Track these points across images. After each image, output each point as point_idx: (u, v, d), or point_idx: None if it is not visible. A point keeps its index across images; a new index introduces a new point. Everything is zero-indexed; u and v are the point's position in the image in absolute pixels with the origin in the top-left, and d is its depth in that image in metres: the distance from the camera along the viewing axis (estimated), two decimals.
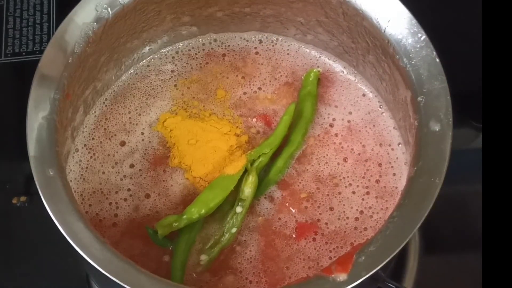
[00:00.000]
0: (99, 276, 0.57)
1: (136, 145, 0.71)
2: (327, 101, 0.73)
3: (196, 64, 0.76)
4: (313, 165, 0.70)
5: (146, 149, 0.71)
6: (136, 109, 0.73)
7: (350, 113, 0.72)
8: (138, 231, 0.67)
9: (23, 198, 0.78)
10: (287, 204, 0.68)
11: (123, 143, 0.71)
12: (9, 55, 0.87)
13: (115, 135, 0.71)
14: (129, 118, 0.73)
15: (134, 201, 0.68)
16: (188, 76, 0.75)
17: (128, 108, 0.73)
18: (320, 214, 0.67)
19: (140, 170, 0.70)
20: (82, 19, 0.66)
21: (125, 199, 0.68)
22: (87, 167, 0.70)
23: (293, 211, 0.68)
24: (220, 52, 0.76)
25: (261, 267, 0.65)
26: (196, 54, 0.76)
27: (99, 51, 0.68)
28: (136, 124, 0.72)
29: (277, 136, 0.69)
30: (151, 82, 0.75)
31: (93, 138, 0.71)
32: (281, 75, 0.75)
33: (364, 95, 0.74)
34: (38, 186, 0.58)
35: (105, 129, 0.72)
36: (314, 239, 0.66)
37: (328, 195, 0.68)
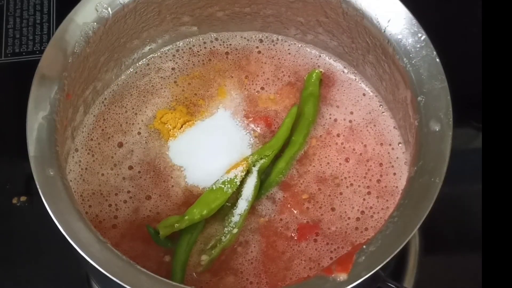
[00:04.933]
0: (99, 276, 0.57)
1: (134, 146, 0.71)
2: (328, 101, 0.73)
3: (199, 61, 0.76)
4: (315, 166, 0.70)
5: (144, 150, 0.71)
6: (133, 108, 0.73)
7: (352, 113, 0.72)
8: (138, 232, 0.66)
9: (23, 198, 0.78)
10: (288, 205, 0.68)
11: (120, 144, 0.71)
12: (9, 55, 0.87)
13: (112, 136, 0.71)
14: (126, 118, 0.72)
15: (134, 203, 0.68)
16: (190, 72, 0.75)
17: (125, 107, 0.73)
18: (321, 214, 0.67)
19: (139, 172, 0.70)
20: (82, 19, 0.66)
21: (125, 201, 0.68)
22: (86, 168, 0.69)
23: (295, 212, 0.68)
24: (223, 50, 0.76)
25: (262, 268, 0.65)
26: (198, 51, 0.76)
27: (99, 51, 0.68)
28: (132, 124, 0.72)
29: (279, 139, 0.69)
30: (150, 80, 0.75)
31: (91, 139, 0.71)
32: (283, 75, 0.75)
33: (364, 94, 0.74)
34: (38, 186, 0.58)
35: (102, 130, 0.72)
36: (315, 240, 0.66)
37: (329, 195, 0.68)
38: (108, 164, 0.70)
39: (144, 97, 0.73)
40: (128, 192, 0.68)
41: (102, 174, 0.69)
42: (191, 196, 0.68)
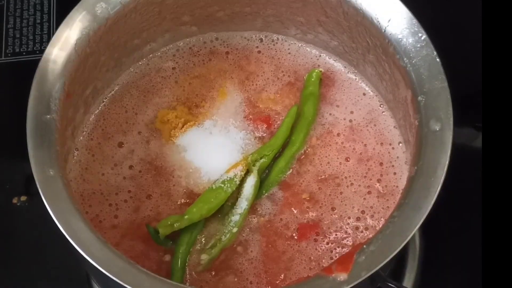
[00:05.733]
0: (100, 276, 0.57)
1: (134, 146, 0.71)
2: (328, 101, 0.73)
3: (199, 61, 0.76)
4: (315, 165, 0.70)
5: (145, 149, 0.71)
6: (133, 108, 0.73)
7: (352, 112, 0.72)
8: (139, 232, 0.66)
9: (23, 198, 0.78)
10: (288, 205, 0.68)
11: (121, 144, 0.71)
12: (9, 54, 0.87)
13: (113, 136, 0.71)
14: (126, 117, 0.72)
15: (135, 202, 0.68)
16: (190, 72, 0.75)
17: (125, 107, 0.73)
18: (321, 214, 0.67)
19: (140, 171, 0.70)
20: (82, 19, 0.65)
21: (125, 201, 0.68)
22: (86, 168, 0.69)
23: (295, 211, 0.68)
24: (223, 50, 0.76)
25: (262, 268, 0.65)
26: (198, 51, 0.76)
27: (99, 51, 0.68)
28: (133, 124, 0.72)
29: (279, 138, 0.69)
30: (150, 80, 0.75)
31: (91, 139, 0.71)
32: (283, 75, 0.75)
33: (364, 94, 0.74)
34: (38, 186, 0.58)
35: (102, 129, 0.71)
36: (315, 240, 0.66)
37: (330, 195, 0.68)
38: (109, 163, 0.70)
39: (145, 97, 0.73)
40: (129, 191, 0.68)
41: (103, 174, 0.69)
42: (192, 195, 0.68)
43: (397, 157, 0.70)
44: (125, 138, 0.71)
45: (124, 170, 0.70)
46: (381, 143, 0.71)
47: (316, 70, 0.73)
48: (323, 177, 0.69)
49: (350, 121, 0.72)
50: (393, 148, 0.71)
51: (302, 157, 0.70)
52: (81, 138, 0.71)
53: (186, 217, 0.65)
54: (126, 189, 0.68)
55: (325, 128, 0.72)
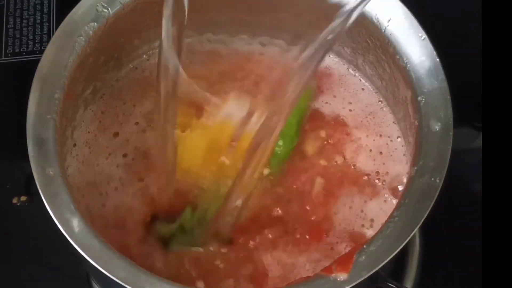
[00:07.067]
0: (100, 276, 0.57)
1: (130, 135, 0.70)
2: (328, 100, 0.73)
3: (199, 61, 0.76)
4: (314, 164, 0.70)
5: (141, 139, 0.70)
6: (131, 100, 0.72)
7: (351, 111, 0.72)
8: (131, 219, 0.66)
9: (23, 198, 0.78)
10: (287, 205, 0.68)
11: (116, 134, 0.70)
12: (9, 55, 0.87)
13: (109, 127, 0.71)
14: (123, 109, 0.72)
15: (125, 189, 0.68)
16: (190, 72, 0.75)
17: (123, 99, 0.72)
18: (321, 214, 0.67)
19: (133, 159, 0.69)
20: (82, 19, 0.65)
21: (116, 188, 0.68)
22: (83, 161, 0.69)
23: (295, 211, 0.68)
24: (223, 52, 0.76)
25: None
26: (198, 51, 0.76)
27: (99, 51, 0.68)
28: (130, 115, 0.72)
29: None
30: (150, 74, 0.74)
31: (88, 132, 0.71)
32: None
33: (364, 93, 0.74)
34: (38, 186, 0.58)
35: (100, 121, 0.71)
36: (316, 240, 0.66)
37: (329, 194, 0.68)
38: (103, 154, 0.69)
39: (144, 90, 0.73)
40: (120, 178, 0.68)
41: (98, 165, 0.69)
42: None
43: (398, 157, 0.70)
44: (121, 128, 0.71)
45: (118, 159, 0.69)
46: (381, 143, 0.71)
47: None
48: (322, 175, 0.69)
49: (350, 120, 0.72)
50: (396, 149, 0.70)
51: (299, 154, 0.70)
52: (79, 132, 0.70)
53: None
54: (117, 177, 0.68)
55: (323, 127, 0.71)
